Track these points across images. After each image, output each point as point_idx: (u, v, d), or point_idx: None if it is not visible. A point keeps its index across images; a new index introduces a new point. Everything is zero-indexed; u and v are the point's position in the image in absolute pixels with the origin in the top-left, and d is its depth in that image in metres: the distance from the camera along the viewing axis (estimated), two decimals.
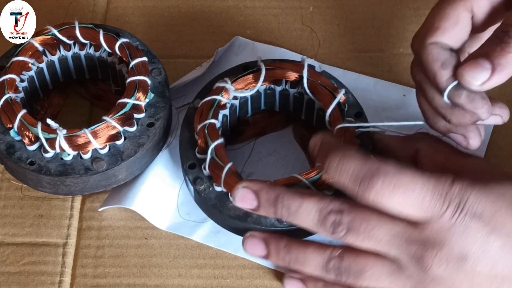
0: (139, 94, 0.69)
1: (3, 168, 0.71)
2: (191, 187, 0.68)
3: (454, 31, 0.63)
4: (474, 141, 0.65)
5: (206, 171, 0.67)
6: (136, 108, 0.69)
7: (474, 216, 0.58)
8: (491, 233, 0.58)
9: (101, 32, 0.72)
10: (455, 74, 0.61)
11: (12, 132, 0.68)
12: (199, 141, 0.68)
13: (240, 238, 0.67)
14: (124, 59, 0.71)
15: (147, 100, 0.70)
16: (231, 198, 0.66)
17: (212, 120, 0.68)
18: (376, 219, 0.60)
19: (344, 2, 0.83)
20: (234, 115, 0.72)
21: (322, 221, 0.61)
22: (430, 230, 0.59)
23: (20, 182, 0.70)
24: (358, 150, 0.62)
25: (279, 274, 0.67)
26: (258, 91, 0.72)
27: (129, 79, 0.70)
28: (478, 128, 0.65)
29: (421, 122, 0.66)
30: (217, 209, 0.66)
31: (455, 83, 0.61)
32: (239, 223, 0.66)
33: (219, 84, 0.70)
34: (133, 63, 0.71)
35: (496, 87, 0.73)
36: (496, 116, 0.65)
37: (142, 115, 0.69)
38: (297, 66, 0.71)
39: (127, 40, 0.72)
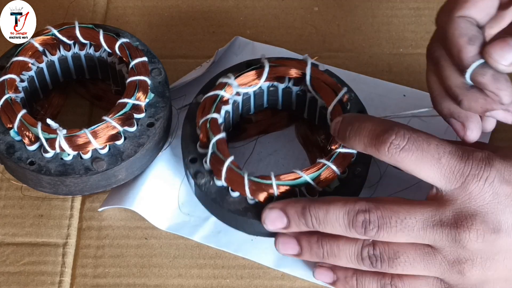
0: (139, 94, 0.69)
1: (3, 168, 0.71)
2: (192, 181, 0.68)
3: (483, 4, 0.60)
4: (473, 133, 0.63)
5: (207, 165, 0.67)
6: (136, 108, 0.69)
7: (503, 181, 0.58)
8: None
9: (101, 32, 0.72)
10: (482, 52, 0.58)
11: (12, 132, 0.68)
12: (201, 135, 0.68)
13: (241, 236, 0.68)
14: (124, 59, 0.71)
15: (147, 100, 0.70)
16: (232, 193, 0.66)
17: (214, 115, 0.68)
18: (404, 210, 0.60)
19: (344, 2, 0.83)
20: (236, 111, 0.72)
21: (352, 222, 0.61)
22: (460, 202, 0.59)
23: (20, 182, 0.70)
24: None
25: (279, 274, 0.67)
26: (260, 88, 0.72)
27: (129, 79, 0.70)
28: (480, 121, 0.63)
29: (424, 109, 0.66)
30: (217, 203, 0.66)
31: (481, 61, 0.58)
32: (239, 217, 0.66)
33: (222, 80, 0.70)
34: (133, 63, 0.71)
35: None
36: (508, 113, 0.61)
37: (142, 115, 0.69)
38: (300, 63, 0.71)
39: (127, 40, 0.72)
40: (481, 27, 0.60)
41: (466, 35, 0.59)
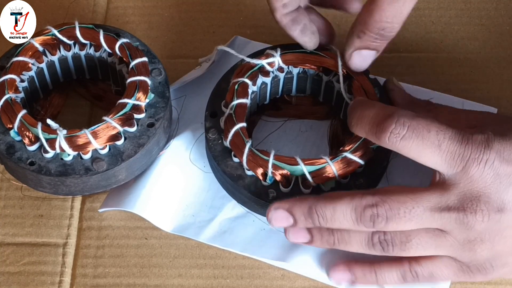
0: (139, 95, 0.69)
1: (3, 168, 0.71)
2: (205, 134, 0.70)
3: None
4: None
5: (222, 124, 0.69)
6: (136, 108, 0.69)
7: (503, 161, 0.59)
8: None
9: (101, 32, 0.72)
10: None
11: (12, 132, 0.68)
12: (228, 94, 0.70)
13: (247, 236, 0.68)
14: (124, 59, 0.71)
15: (147, 100, 0.70)
16: (234, 158, 0.67)
17: (246, 80, 0.70)
18: (411, 200, 0.60)
19: None
20: (276, 87, 0.73)
21: (360, 218, 0.61)
22: (463, 186, 0.60)
23: (20, 182, 0.70)
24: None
25: (279, 274, 0.67)
26: (305, 71, 0.72)
27: (129, 79, 0.70)
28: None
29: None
30: (217, 161, 0.68)
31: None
32: (230, 181, 0.67)
33: (269, 51, 0.72)
34: (133, 63, 0.71)
35: (495, 93, 0.73)
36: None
37: (142, 115, 0.69)
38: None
39: (127, 40, 0.72)
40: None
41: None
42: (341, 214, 0.62)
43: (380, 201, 0.61)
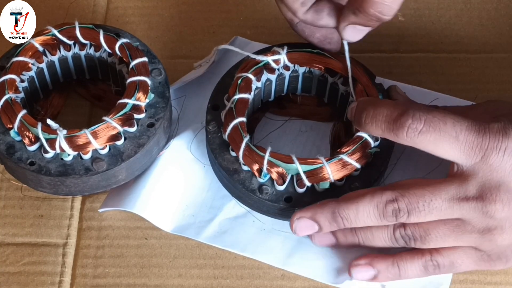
0: (139, 95, 0.69)
1: (3, 168, 0.71)
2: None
3: None
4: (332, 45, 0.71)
5: (223, 117, 0.69)
6: (136, 108, 0.69)
7: None
8: None
9: (101, 32, 0.72)
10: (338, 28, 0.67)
11: (12, 133, 0.68)
12: (231, 89, 0.70)
13: (247, 236, 0.68)
14: (124, 59, 0.71)
15: (147, 100, 0.70)
16: (231, 152, 0.67)
17: (250, 76, 0.70)
18: (429, 192, 0.61)
19: None
20: (281, 85, 0.73)
21: (383, 214, 0.62)
22: (481, 175, 0.60)
23: (20, 182, 0.70)
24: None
25: (279, 274, 0.67)
26: (311, 71, 0.72)
27: (129, 80, 0.70)
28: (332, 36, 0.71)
29: None
30: (215, 154, 0.68)
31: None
32: (225, 175, 0.67)
33: (276, 48, 0.72)
34: (133, 63, 0.71)
35: (495, 93, 0.73)
36: (355, 30, 0.67)
37: (142, 116, 0.69)
38: (356, 67, 0.71)
39: (127, 40, 0.72)
40: None
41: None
42: (364, 214, 0.62)
43: (400, 195, 0.62)
